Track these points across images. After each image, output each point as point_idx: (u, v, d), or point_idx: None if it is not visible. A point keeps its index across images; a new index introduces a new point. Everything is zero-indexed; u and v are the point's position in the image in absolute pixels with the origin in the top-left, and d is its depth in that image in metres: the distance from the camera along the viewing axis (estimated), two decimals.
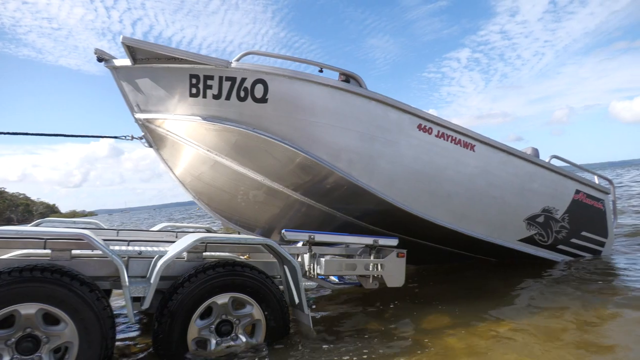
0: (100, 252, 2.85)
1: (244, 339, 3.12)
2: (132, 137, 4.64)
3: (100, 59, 4.10)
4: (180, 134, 4.38)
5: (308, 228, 4.44)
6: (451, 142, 4.62)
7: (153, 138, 4.57)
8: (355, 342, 3.37)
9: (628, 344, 3.03)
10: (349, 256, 4.17)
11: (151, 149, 4.75)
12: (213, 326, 3.06)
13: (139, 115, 4.30)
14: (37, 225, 4.64)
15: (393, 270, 3.98)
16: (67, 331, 2.59)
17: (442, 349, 3.16)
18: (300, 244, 3.94)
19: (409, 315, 4.04)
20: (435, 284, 5.34)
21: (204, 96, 3.99)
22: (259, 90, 3.95)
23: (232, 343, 3.09)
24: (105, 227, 4.88)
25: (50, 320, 2.60)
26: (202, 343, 3.04)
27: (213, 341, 3.03)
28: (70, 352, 2.60)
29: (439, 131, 4.55)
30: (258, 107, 4.00)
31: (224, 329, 3.08)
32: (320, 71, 4.22)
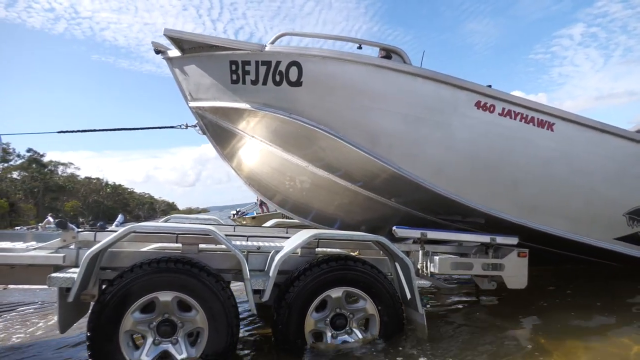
0: (223, 246, 3.05)
1: (358, 333, 3.15)
2: (187, 126, 4.80)
3: (157, 51, 4.24)
4: (227, 121, 4.40)
5: (358, 216, 4.15)
6: (520, 120, 3.95)
7: (205, 126, 4.65)
8: (473, 340, 3.26)
9: None
10: (462, 254, 3.98)
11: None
12: (328, 319, 3.12)
13: (191, 104, 4.40)
14: (166, 221, 5.12)
15: (514, 271, 3.73)
16: (198, 318, 2.82)
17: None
18: (411, 241, 3.85)
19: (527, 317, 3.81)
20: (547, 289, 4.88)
21: (243, 82, 3.89)
22: (293, 73, 3.74)
23: (347, 337, 3.13)
24: (224, 223, 5.23)
25: (184, 307, 2.85)
26: (318, 336, 3.12)
27: (328, 334, 3.10)
28: (201, 337, 2.83)
29: (503, 108, 3.91)
30: (293, 91, 3.80)
31: (339, 323, 3.12)
32: (359, 48, 3.94)
